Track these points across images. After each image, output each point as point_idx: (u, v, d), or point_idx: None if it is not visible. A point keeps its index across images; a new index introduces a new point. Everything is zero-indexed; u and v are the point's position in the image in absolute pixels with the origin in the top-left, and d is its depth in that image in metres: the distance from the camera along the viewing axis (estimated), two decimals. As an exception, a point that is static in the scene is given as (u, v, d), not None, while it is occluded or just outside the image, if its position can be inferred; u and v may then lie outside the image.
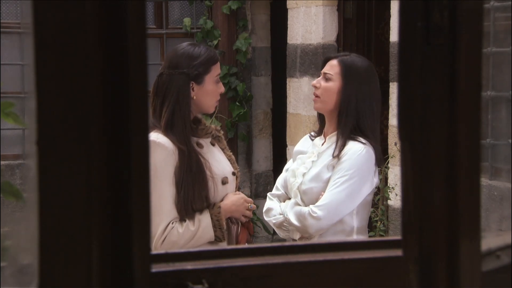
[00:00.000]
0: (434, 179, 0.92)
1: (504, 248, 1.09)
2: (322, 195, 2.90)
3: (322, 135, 3.08)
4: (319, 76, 3.06)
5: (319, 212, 2.87)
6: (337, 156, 2.92)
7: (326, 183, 2.92)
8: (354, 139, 2.93)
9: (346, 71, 2.96)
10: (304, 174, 2.98)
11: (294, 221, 2.92)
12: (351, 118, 2.94)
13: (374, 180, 2.97)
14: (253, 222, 3.02)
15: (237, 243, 2.89)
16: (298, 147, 3.15)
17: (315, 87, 3.02)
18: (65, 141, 0.84)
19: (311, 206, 2.90)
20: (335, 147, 2.94)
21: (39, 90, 0.83)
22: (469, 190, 0.93)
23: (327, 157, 2.97)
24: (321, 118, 3.12)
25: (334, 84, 2.97)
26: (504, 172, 4.70)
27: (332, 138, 3.00)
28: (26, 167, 4.96)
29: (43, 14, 0.83)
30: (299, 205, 2.95)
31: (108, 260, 0.86)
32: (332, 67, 2.99)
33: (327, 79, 2.99)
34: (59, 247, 0.84)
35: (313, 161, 2.99)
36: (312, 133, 3.16)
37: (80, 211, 0.85)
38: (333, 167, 2.93)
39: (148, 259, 0.90)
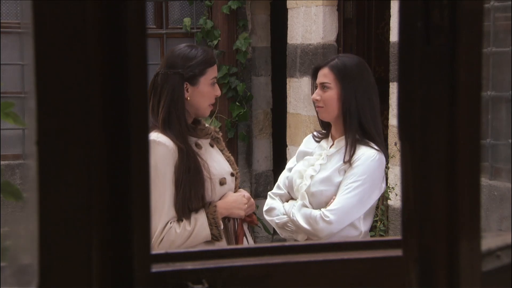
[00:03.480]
0: (434, 179, 0.92)
1: (504, 248, 1.09)
2: (333, 199, 2.90)
3: (330, 138, 3.07)
4: (316, 87, 3.06)
5: (331, 216, 2.86)
6: (348, 161, 2.92)
7: (337, 187, 2.92)
8: (366, 144, 2.94)
9: (340, 75, 2.97)
10: (312, 177, 2.97)
11: (303, 223, 2.91)
12: (355, 118, 2.95)
13: (382, 186, 2.98)
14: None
15: (236, 239, 2.89)
16: (303, 147, 3.14)
17: (316, 100, 3.02)
18: (65, 141, 0.84)
19: (323, 210, 2.89)
20: (346, 152, 2.94)
21: (39, 90, 0.83)
22: (469, 190, 0.93)
23: (338, 161, 2.96)
24: (324, 123, 3.11)
25: (333, 92, 2.98)
26: (504, 172, 4.70)
27: (341, 142, 2.99)
28: (26, 167, 4.96)
29: (43, 14, 0.83)
30: (307, 207, 2.95)
31: (108, 260, 0.86)
32: (326, 75, 3.00)
33: (324, 88, 3.00)
34: (59, 247, 0.84)
35: (321, 164, 2.99)
36: (315, 133, 3.16)
37: (80, 211, 0.85)
38: (345, 172, 2.93)
39: (148, 259, 0.90)
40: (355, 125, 2.95)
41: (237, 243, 2.88)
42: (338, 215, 2.86)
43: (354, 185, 2.88)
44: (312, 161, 3.03)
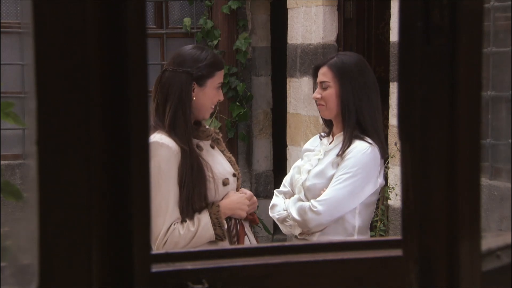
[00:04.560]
0: (434, 179, 0.92)
1: (504, 248, 1.09)
2: (324, 191, 2.93)
3: (331, 135, 3.12)
4: (317, 86, 3.10)
5: (319, 207, 2.89)
6: (340, 155, 2.95)
7: (330, 180, 2.95)
8: (361, 139, 2.96)
9: (339, 73, 3.01)
10: (309, 171, 3.01)
11: (295, 215, 2.95)
12: (353, 115, 2.98)
13: (378, 180, 2.99)
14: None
15: (238, 239, 2.90)
16: (307, 145, 3.21)
17: (317, 98, 3.06)
18: (65, 141, 0.84)
19: (312, 200, 2.94)
20: (341, 146, 2.97)
21: (39, 90, 0.83)
22: (469, 190, 0.93)
23: (333, 155, 3.00)
24: (327, 121, 3.16)
25: (333, 90, 3.02)
26: (504, 172, 4.70)
27: (339, 138, 3.04)
28: (26, 167, 4.96)
29: (43, 14, 0.83)
30: (302, 201, 2.98)
31: (108, 260, 0.86)
32: (325, 74, 3.04)
33: (324, 87, 3.04)
34: (59, 247, 0.84)
35: (319, 159, 3.03)
36: (322, 134, 3.20)
37: (80, 211, 0.85)
38: (338, 165, 2.96)
39: (148, 259, 0.90)
40: (353, 122, 2.98)
41: (238, 243, 2.88)
42: (327, 206, 2.89)
43: (344, 176, 2.91)
44: (311, 156, 3.07)
